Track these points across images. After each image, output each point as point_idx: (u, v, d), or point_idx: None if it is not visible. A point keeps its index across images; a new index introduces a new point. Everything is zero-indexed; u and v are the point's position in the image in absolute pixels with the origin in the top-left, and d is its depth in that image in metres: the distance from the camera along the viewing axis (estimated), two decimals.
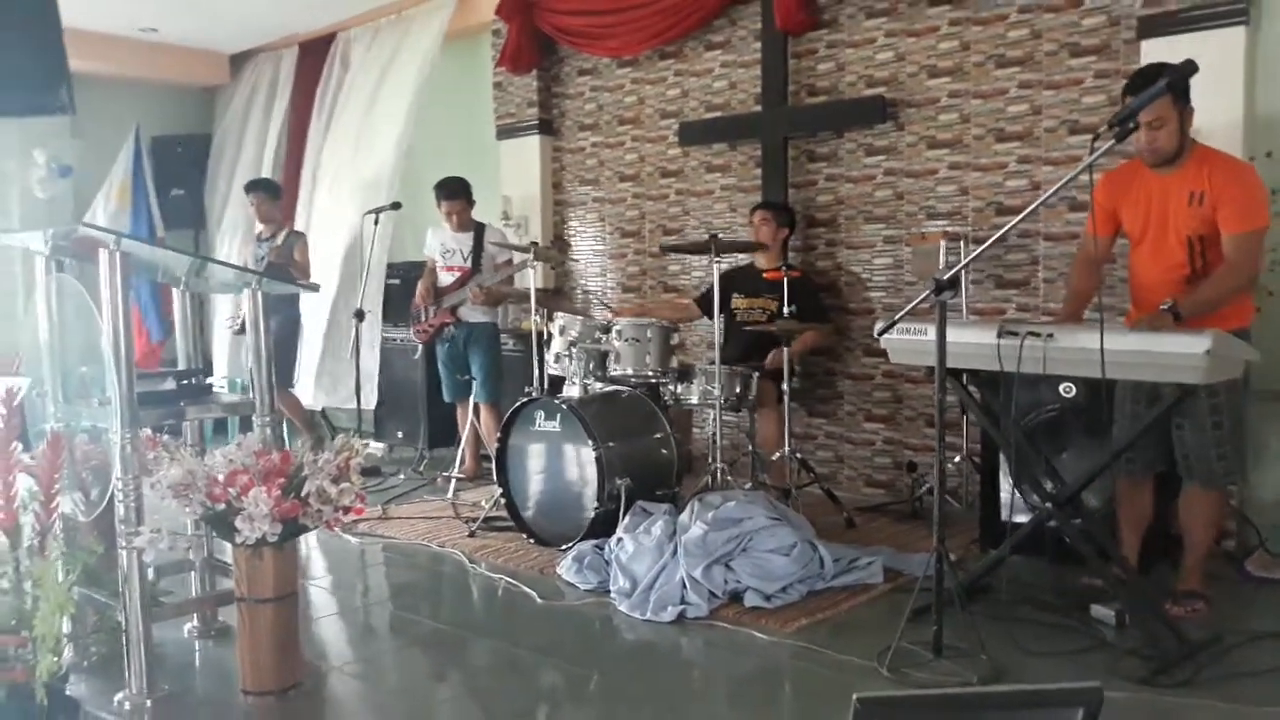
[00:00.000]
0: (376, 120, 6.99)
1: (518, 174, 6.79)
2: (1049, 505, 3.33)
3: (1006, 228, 3.07)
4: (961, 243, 4.84)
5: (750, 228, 5.32)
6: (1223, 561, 3.95)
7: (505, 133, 6.83)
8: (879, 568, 3.87)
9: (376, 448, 6.79)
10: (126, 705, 2.80)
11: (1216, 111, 3.93)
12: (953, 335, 3.09)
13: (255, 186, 6.38)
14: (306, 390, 6.76)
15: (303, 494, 2.84)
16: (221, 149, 8.28)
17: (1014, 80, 4.84)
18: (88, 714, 2.78)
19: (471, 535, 4.61)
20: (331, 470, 2.91)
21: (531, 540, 4.46)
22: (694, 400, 4.62)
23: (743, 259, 5.41)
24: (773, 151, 5.58)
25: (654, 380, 4.60)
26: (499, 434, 4.65)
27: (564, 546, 4.21)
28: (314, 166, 7.52)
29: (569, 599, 3.81)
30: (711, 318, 4.63)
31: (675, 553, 3.72)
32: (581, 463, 4.32)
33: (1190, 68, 2.89)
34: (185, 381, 3.28)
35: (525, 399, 4.56)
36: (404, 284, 6.51)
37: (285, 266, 6.00)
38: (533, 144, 6.69)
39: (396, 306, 6.59)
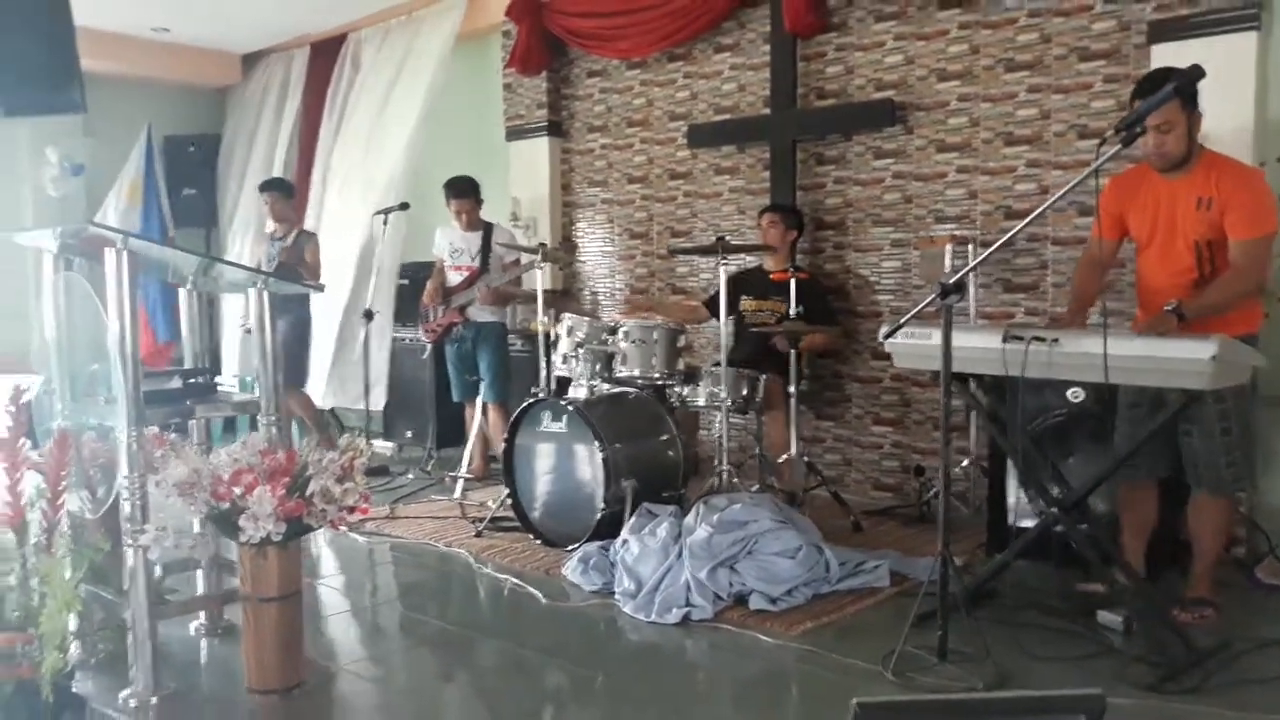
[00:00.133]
0: (388, 122, 7.01)
1: (527, 175, 6.80)
2: (1054, 510, 3.32)
3: (1012, 232, 3.06)
4: (970, 246, 4.83)
5: (758, 230, 5.31)
6: (1232, 569, 3.93)
7: (514, 134, 6.85)
8: (885, 571, 3.87)
9: (385, 447, 6.80)
10: (132, 702, 2.81)
11: (1226, 117, 3.91)
12: (958, 340, 3.08)
13: (270, 186, 6.39)
14: (317, 390, 6.78)
15: (307, 493, 2.85)
16: (232, 149, 8.31)
17: (1023, 84, 4.83)
18: (93, 711, 2.79)
19: (478, 535, 4.62)
20: (336, 470, 2.92)
21: (538, 541, 4.47)
22: (701, 402, 4.62)
23: (750, 261, 5.40)
24: (781, 154, 5.58)
25: (660, 382, 4.60)
26: (506, 434, 4.66)
27: (570, 547, 4.21)
28: (324, 167, 7.54)
29: (574, 600, 3.81)
30: (719, 319, 4.62)
31: (680, 555, 3.72)
32: (587, 464, 4.33)
33: (1197, 73, 2.88)
34: (192, 380, 3.29)
35: (532, 400, 4.57)
36: (413, 284, 6.52)
37: (295, 266, 6.02)
38: (542, 145, 6.70)
39: (406, 307, 6.61)
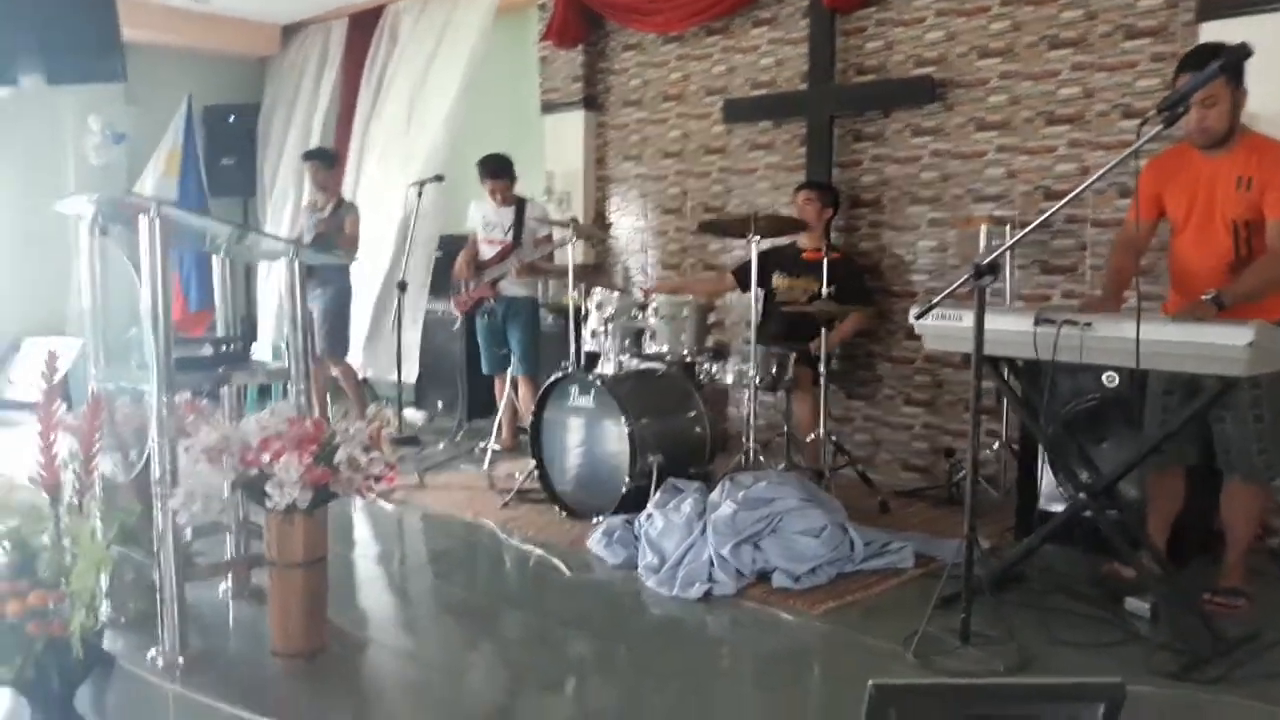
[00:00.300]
0: (427, 94, 7.00)
1: (561, 149, 6.78)
2: (1083, 496, 3.28)
3: (1049, 213, 3.01)
4: (1008, 227, 4.76)
5: (793, 207, 5.27)
6: (1266, 558, 3.87)
7: (550, 108, 6.83)
8: (910, 552, 3.85)
9: (416, 417, 6.86)
10: (159, 661, 2.87)
11: (1274, 97, 3.81)
12: (989, 322, 3.04)
13: (313, 155, 6.40)
14: (355, 361, 6.84)
15: (334, 462, 2.88)
16: (271, 119, 8.35)
17: (1066, 62, 4.73)
18: (122, 668, 2.84)
19: (505, 506, 4.65)
20: (363, 439, 2.95)
21: (563, 513, 4.49)
22: (729, 380, 4.60)
23: (783, 238, 5.36)
24: (818, 130, 5.52)
25: (689, 359, 4.59)
26: (534, 408, 4.68)
27: (595, 520, 4.23)
28: (362, 138, 7.56)
29: (598, 573, 3.83)
30: (748, 291, 4.59)
31: (704, 530, 3.72)
32: (614, 438, 4.33)
33: (1245, 50, 2.80)
34: (223, 348, 3.32)
35: (560, 374, 4.58)
36: (449, 257, 6.54)
37: (331, 236, 6.05)
38: (577, 119, 6.68)
39: (442, 279, 6.63)
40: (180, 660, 2.88)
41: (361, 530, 4.52)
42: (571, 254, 5.02)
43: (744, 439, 4.50)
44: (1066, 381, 3.80)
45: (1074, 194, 2.97)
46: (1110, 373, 3.75)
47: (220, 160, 8.03)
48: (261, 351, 7.02)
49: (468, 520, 4.53)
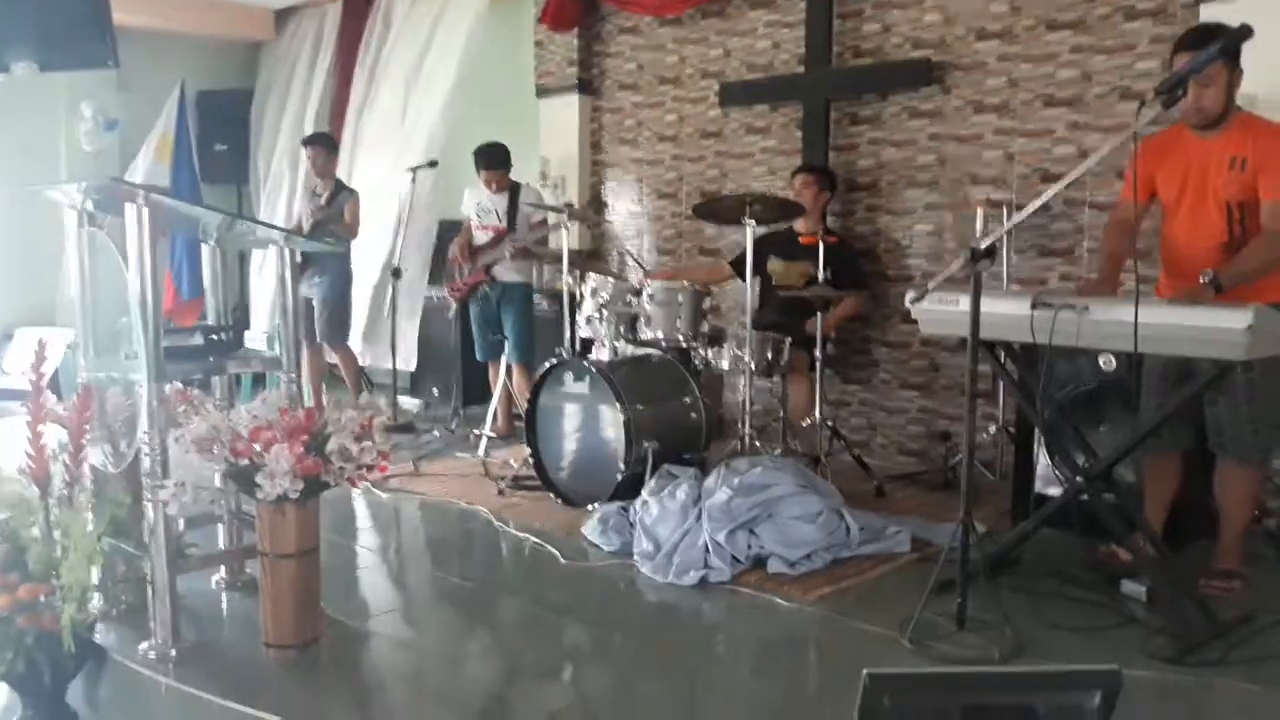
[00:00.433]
0: (424, 80, 6.95)
1: (557, 133, 6.74)
2: (1080, 479, 3.26)
3: (1046, 195, 2.99)
4: (1005, 210, 4.73)
5: (790, 190, 5.23)
6: (1261, 540, 3.86)
7: (545, 91, 6.79)
8: (906, 537, 3.84)
9: (412, 404, 6.83)
10: (151, 654, 2.86)
11: (1273, 79, 3.77)
12: (986, 306, 3.02)
13: (313, 141, 6.34)
14: (354, 347, 6.81)
15: (325, 452, 2.86)
16: (265, 105, 8.30)
17: (1065, 44, 4.70)
18: (114, 662, 2.83)
19: (500, 494, 4.64)
20: (354, 429, 2.93)
21: (559, 500, 4.48)
22: (725, 365, 4.57)
23: (780, 223, 5.33)
24: (815, 114, 5.48)
25: (684, 344, 4.57)
26: (529, 394, 4.66)
27: (590, 507, 4.21)
28: (356, 125, 7.51)
29: (593, 560, 3.82)
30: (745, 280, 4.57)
31: (699, 517, 3.70)
32: (609, 425, 4.32)
33: (1245, 32, 2.76)
34: (214, 337, 3.30)
35: (555, 360, 4.56)
36: (444, 243, 6.51)
37: (330, 224, 6.02)
38: (572, 103, 6.64)
39: (440, 266, 6.60)
40: (173, 653, 2.86)
41: (356, 519, 4.50)
42: (566, 239, 5.00)
43: (740, 424, 4.49)
44: (1063, 365, 3.78)
45: (1071, 176, 2.94)
46: (1107, 356, 3.73)
47: (214, 146, 7.98)
48: (255, 340, 6.98)
49: (463, 508, 4.51)
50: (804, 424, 4.78)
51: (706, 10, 6.00)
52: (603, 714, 2.73)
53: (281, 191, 7.92)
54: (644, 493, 3.97)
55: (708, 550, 3.58)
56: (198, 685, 2.71)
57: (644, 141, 6.45)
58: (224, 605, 3.38)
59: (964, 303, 3.07)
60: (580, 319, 4.72)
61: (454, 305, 6.12)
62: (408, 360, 6.77)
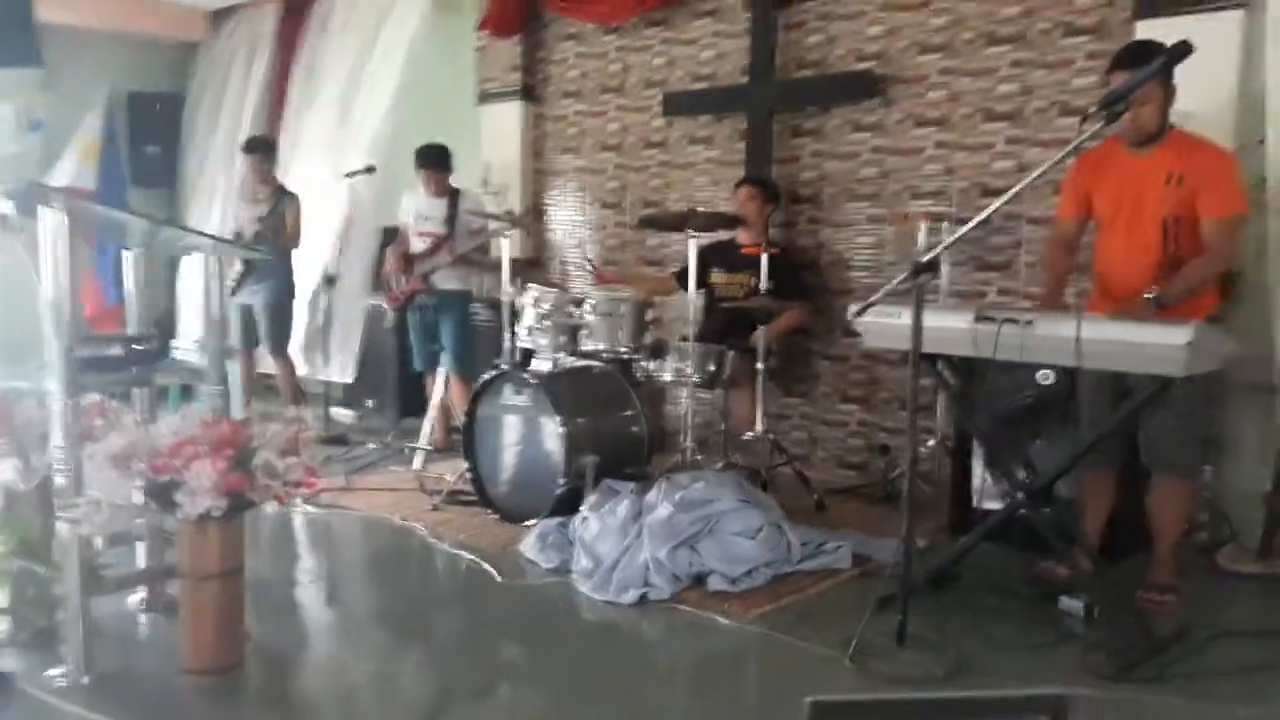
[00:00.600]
0: (364, 86, 6.82)
1: (498, 140, 6.65)
2: (1021, 494, 3.26)
3: (988, 211, 2.99)
4: (945, 224, 4.73)
5: (733, 202, 5.21)
6: (1194, 554, 3.90)
7: (486, 98, 6.69)
8: (847, 552, 3.81)
9: (346, 415, 6.67)
10: (61, 681, 2.71)
11: (1209, 97, 3.83)
12: (929, 320, 3.00)
13: (253, 148, 6.15)
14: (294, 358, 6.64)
15: (250, 467, 2.75)
16: (199, 108, 8.10)
17: (1005, 59, 4.72)
18: (21, 690, 2.68)
19: (435, 509, 4.52)
20: (281, 443, 2.82)
21: (496, 516, 4.38)
22: (667, 377, 4.52)
23: (723, 234, 5.30)
24: (759, 125, 5.46)
25: (626, 356, 4.50)
26: (467, 407, 4.56)
27: (528, 523, 4.12)
28: (293, 129, 7.35)
29: (530, 577, 3.73)
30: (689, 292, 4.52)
31: (640, 534, 3.64)
32: (548, 438, 4.23)
33: (1187, 49, 2.78)
34: (135, 346, 3.16)
35: (494, 372, 4.46)
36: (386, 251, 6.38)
37: (275, 230, 5.86)
38: (514, 110, 6.55)
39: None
40: (84, 680, 2.72)
41: (284, 535, 4.35)
42: (507, 248, 4.91)
43: (681, 438, 4.43)
44: (1001, 379, 3.77)
45: (1014, 191, 2.94)
46: (1045, 370, 3.74)
47: (144, 149, 7.77)
48: (185, 350, 6.79)
49: (396, 524, 4.39)
50: (746, 437, 4.74)
51: (650, 19, 5.96)
52: None
53: (216, 195, 7.72)
54: (584, 508, 3.89)
55: (648, 568, 3.51)
56: (111, 714, 2.58)
57: (587, 150, 6.38)
58: (142, 629, 3.22)
59: (907, 316, 3.04)
60: (521, 330, 4.63)
61: (391, 314, 5.99)
62: (347, 369, 6.62)
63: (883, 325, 3.26)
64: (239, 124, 7.64)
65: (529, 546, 3.89)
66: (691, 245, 4.35)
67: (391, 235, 6.19)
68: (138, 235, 3.26)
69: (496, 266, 5.07)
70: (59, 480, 2.70)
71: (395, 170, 6.20)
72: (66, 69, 6.89)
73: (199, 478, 2.66)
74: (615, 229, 6.28)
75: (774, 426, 5.00)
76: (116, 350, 3.09)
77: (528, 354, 4.75)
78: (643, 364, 4.54)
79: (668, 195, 6.01)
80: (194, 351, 6.57)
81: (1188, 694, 2.76)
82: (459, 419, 4.82)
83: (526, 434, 4.34)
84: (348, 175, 5.97)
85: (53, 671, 2.75)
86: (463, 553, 3.98)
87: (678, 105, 5.85)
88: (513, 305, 4.75)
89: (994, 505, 3.71)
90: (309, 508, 4.56)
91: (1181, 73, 3.12)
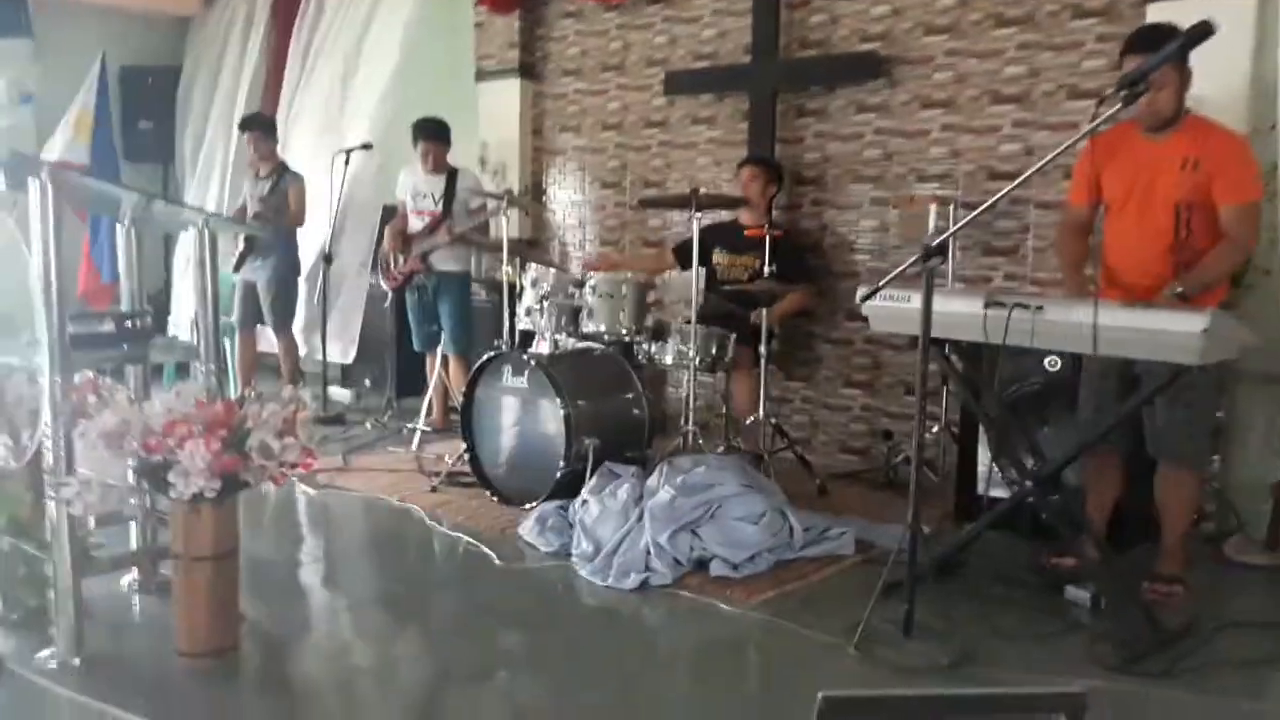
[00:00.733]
0: (364, 64, 6.71)
1: (496, 119, 6.56)
2: (1029, 482, 3.21)
3: (1002, 193, 2.92)
4: (951, 207, 4.68)
5: (736, 183, 5.14)
6: (1201, 544, 3.86)
7: (485, 75, 6.60)
8: (850, 539, 3.76)
9: (343, 395, 6.60)
10: (51, 663, 2.66)
11: (1221, 81, 3.76)
12: (938, 304, 2.94)
13: (251, 125, 6.07)
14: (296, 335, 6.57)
15: (245, 448, 2.69)
16: (193, 82, 7.97)
17: (1013, 41, 4.66)
18: (11, 671, 2.63)
19: (434, 490, 4.47)
20: (276, 423, 2.75)
21: (495, 498, 4.33)
22: (668, 360, 4.46)
23: (725, 215, 5.23)
24: (761, 105, 5.39)
25: (627, 338, 4.44)
26: (465, 387, 4.50)
27: (527, 506, 4.07)
28: (290, 106, 7.25)
29: (529, 561, 3.68)
30: (688, 269, 4.45)
31: (641, 517, 3.59)
32: (548, 421, 4.17)
33: (1208, 29, 2.69)
34: (128, 323, 3.10)
35: (493, 353, 4.40)
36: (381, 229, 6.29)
37: (278, 208, 5.79)
38: (513, 88, 6.46)
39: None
40: (75, 662, 2.67)
41: (280, 516, 4.30)
42: (506, 227, 4.84)
43: (682, 421, 4.38)
44: (1008, 365, 3.73)
45: (1029, 174, 2.88)
46: (1052, 357, 3.70)
47: (138, 124, 7.66)
48: (179, 327, 6.72)
49: (394, 505, 4.34)
50: (748, 421, 4.69)
51: None
52: None
53: (214, 172, 7.62)
54: (584, 491, 3.84)
55: (649, 552, 3.46)
56: (102, 697, 2.53)
57: (587, 129, 6.30)
58: (135, 610, 3.17)
59: (916, 300, 2.99)
60: (520, 310, 4.57)
61: (390, 294, 5.92)
62: (348, 351, 6.55)
63: (891, 309, 3.21)
64: (235, 100, 7.53)
65: (528, 530, 3.84)
66: (694, 225, 4.28)
67: (391, 214, 6.13)
68: (130, 209, 3.19)
69: (496, 246, 5.00)
70: (48, 458, 2.64)
71: (393, 148, 6.11)
72: (58, 42, 6.78)
73: (192, 458, 2.60)
74: (615, 209, 6.21)
75: (775, 410, 4.95)
76: (109, 326, 3.03)
77: (527, 335, 4.69)
78: (644, 346, 4.48)
79: (669, 175, 5.93)
80: (189, 329, 6.52)
81: (1195, 688, 2.72)
82: (457, 400, 4.76)
83: (526, 416, 4.28)
84: (344, 152, 5.88)
85: (43, 653, 2.70)
86: (461, 535, 3.93)
87: (679, 84, 5.76)
88: (512, 285, 4.68)
89: (999, 492, 3.67)
90: (305, 487, 4.50)
91: (1195, 57, 3.05)
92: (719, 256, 5.09)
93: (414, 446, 5.14)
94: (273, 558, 3.75)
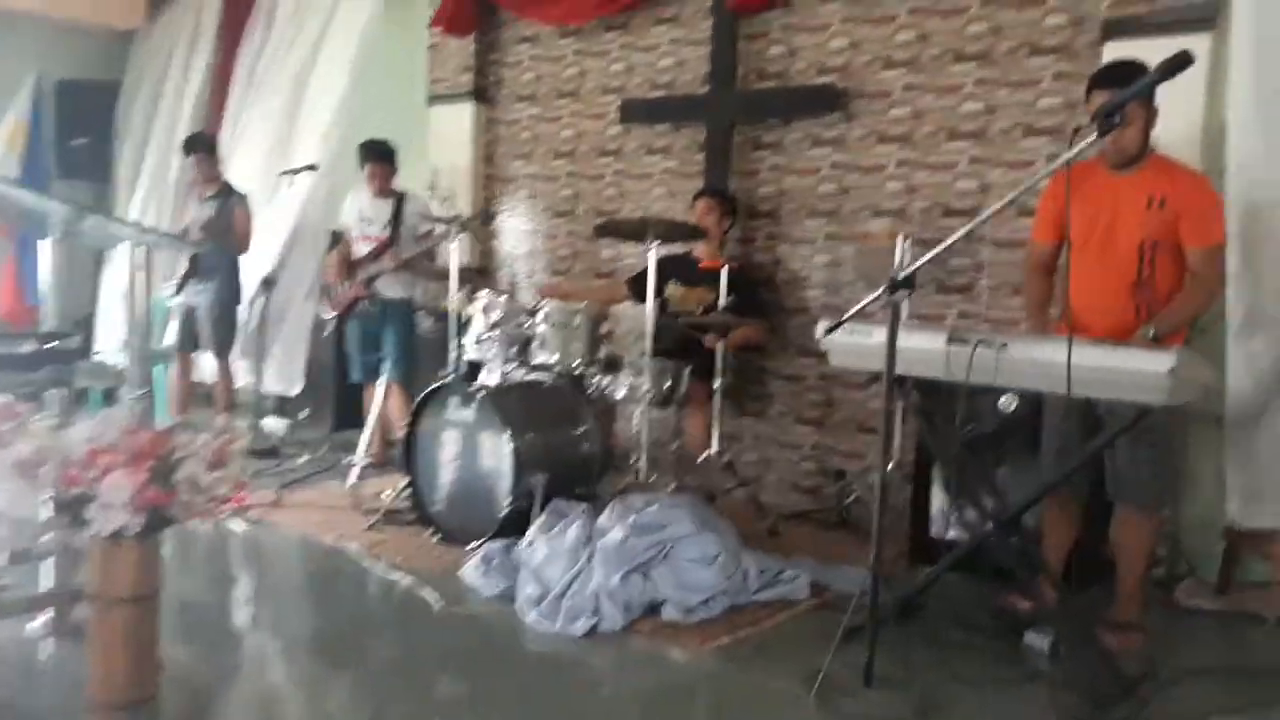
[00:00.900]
0: (315, 85, 6.56)
1: (447, 143, 6.44)
2: (990, 523, 3.14)
3: (973, 224, 2.85)
4: (906, 243, 4.63)
5: (691, 214, 5.06)
6: (1152, 589, 3.81)
7: (437, 99, 6.48)
8: (805, 582, 3.66)
9: (278, 426, 6.36)
10: None
11: (1176, 121, 3.75)
12: (900, 340, 2.87)
13: (194, 147, 5.91)
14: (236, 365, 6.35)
15: (172, 481, 2.51)
16: (134, 99, 7.76)
17: (970, 77, 4.64)
18: None
19: (371, 528, 4.28)
20: (208, 455, 2.59)
21: (436, 537, 4.15)
22: (621, 394, 4.34)
23: (679, 247, 5.15)
24: (718, 136, 5.33)
25: (579, 370, 4.32)
26: (407, 419, 4.34)
27: (471, 546, 3.91)
28: (235, 126, 7.06)
29: (472, 604, 3.51)
30: (642, 301, 4.35)
31: (591, 558, 3.45)
32: (495, 455, 4.02)
33: (1187, 59, 2.61)
34: (51, 344, 2.91)
35: (438, 383, 4.25)
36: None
37: (224, 231, 5.61)
38: (465, 112, 6.35)
39: None
40: None
41: (208, 554, 4.07)
42: (455, 254, 4.70)
43: (634, 457, 4.26)
44: (963, 405, 3.67)
45: (998, 207, 2.85)
46: (1008, 396, 3.64)
47: (72, 140, 7.40)
48: (108, 351, 6.45)
49: (328, 544, 4.15)
50: (700, 459, 4.58)
51: (610, 23, 5.80)
52: None
53: (153, 192, 7.39)
54: (531, 530, 3.69)
55: (599, 596, 3.32)
56: None
57: (540, 156, 6.20)
58: (46, 656, 2.95)
59: (877, 335, 2.92)
60: (468, 340, 4.43)
61: (330, 323, 5.74)
62: (293, 383, 6.33)
63: (851, 344, 3.13)
64: (178, 117, 7.36)
65: (472, 571, 3.67)
66: (650, 255, 4.19)
67: (339, 240, 5.97)
68: (59, 223, 3.02)
69: (443, 274, 4.85)
70: None
71: (344, 171, 5.96)
72: None
73: (114, 491, 2.42)
74: (567, 239, 6.10)
75: (728, 446, 4.85)
76: (29, 347, 2.84)
77: (475, 365, 4.54)
78: (596, 379, 4.36)
79: (622, 205, 5.84)
80: (117, 353, 6.27)
81: None
82: (398, 432, 4.59)
83: (471, 449, 4.13)
84: (288, 173, 5.71)
85: None
86: (400, 576, 3.76)
87: (635, 113, 5.69)
88: (459, 314, 4.54)
89: (952, 534, 3.60)
90: (234, 524, 4.29)
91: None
92: (673, 289, 4.99)
93: (351, 482, 4.93)
94: (198, 599, 3.53)
